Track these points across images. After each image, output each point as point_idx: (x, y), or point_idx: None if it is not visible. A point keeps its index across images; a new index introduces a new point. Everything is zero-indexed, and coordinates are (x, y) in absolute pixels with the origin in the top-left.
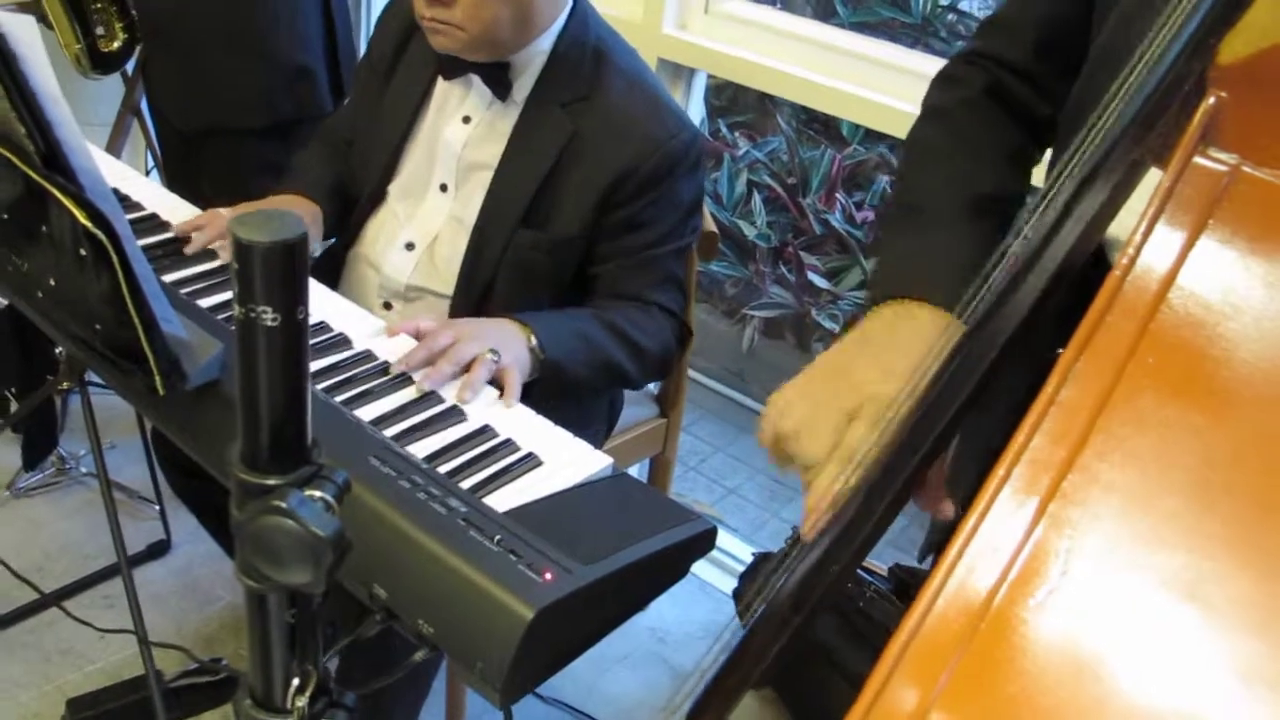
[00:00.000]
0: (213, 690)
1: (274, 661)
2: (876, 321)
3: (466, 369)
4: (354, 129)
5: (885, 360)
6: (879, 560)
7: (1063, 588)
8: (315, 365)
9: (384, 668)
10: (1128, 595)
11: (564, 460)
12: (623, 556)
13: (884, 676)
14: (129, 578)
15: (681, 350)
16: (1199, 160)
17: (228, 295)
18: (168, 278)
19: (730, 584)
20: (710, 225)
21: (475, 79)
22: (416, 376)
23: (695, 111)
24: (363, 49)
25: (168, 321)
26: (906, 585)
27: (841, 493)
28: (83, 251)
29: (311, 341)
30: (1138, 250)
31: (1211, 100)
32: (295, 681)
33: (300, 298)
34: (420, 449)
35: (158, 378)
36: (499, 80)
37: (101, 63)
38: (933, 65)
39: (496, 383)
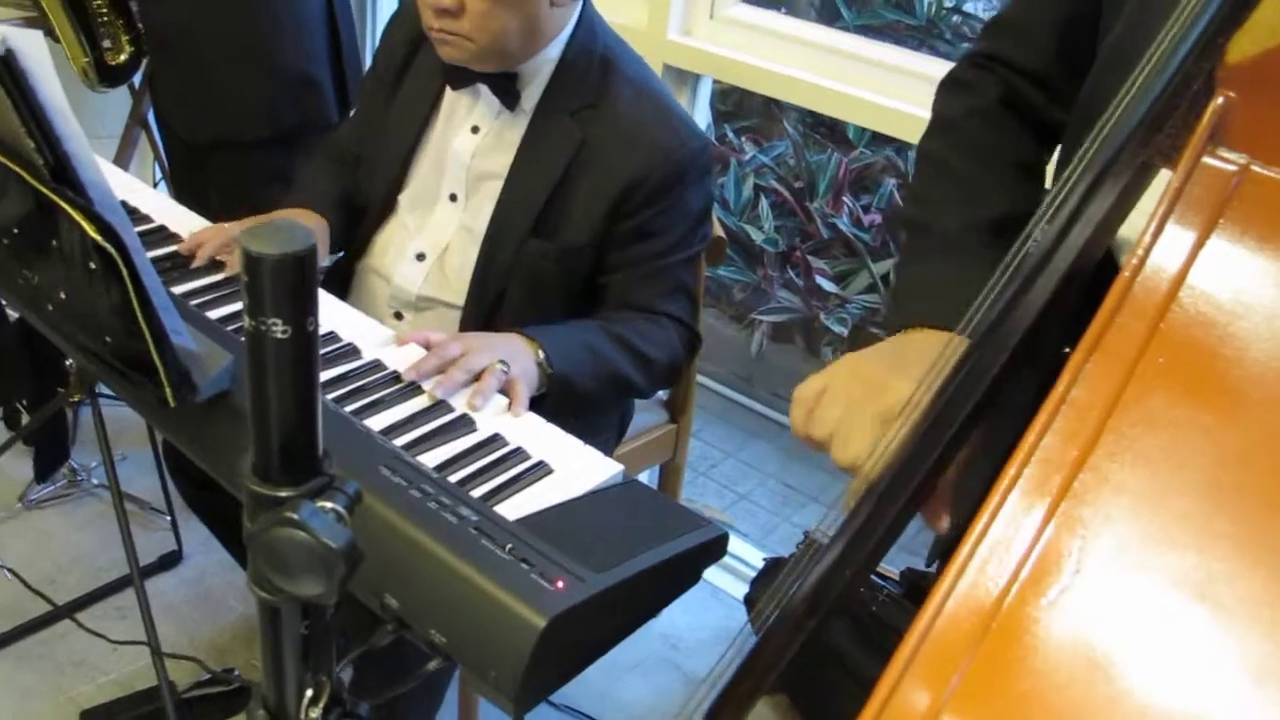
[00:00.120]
0: (226, 701)
1: (287, 672)
2: (906, 340)
3: (476, 379)
4: (360, 141)
5: (916, 372)
6: (891, 564)
7: (1074, 587)
8: (325, 375)
9: (397, 677)
10: (1139, 595)
11: (574, 468)
12: (635, 564)
13: (895, 678)
14: (141, 589)
15: (691, 359)
16: (1208, 160)
17: (237, 306)
18: (177, 289)
19: (742, 589)
20: (718, 230)
21: (483, 89)
22: (427, 385)
23: (701, 117)
24: (368, 60)
25: (178, 333)
26: (919, 589)
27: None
28: (92, 264)
29: (321, 351)
30: (1147, 250)
31: (1220, 100)
32: (309, 692)
33: (310, 310)
34: (431, 458)
35: (168, 389)
36: (507, 90)
37: (108, 76)
38: (938, 67)
39: (505, 394)
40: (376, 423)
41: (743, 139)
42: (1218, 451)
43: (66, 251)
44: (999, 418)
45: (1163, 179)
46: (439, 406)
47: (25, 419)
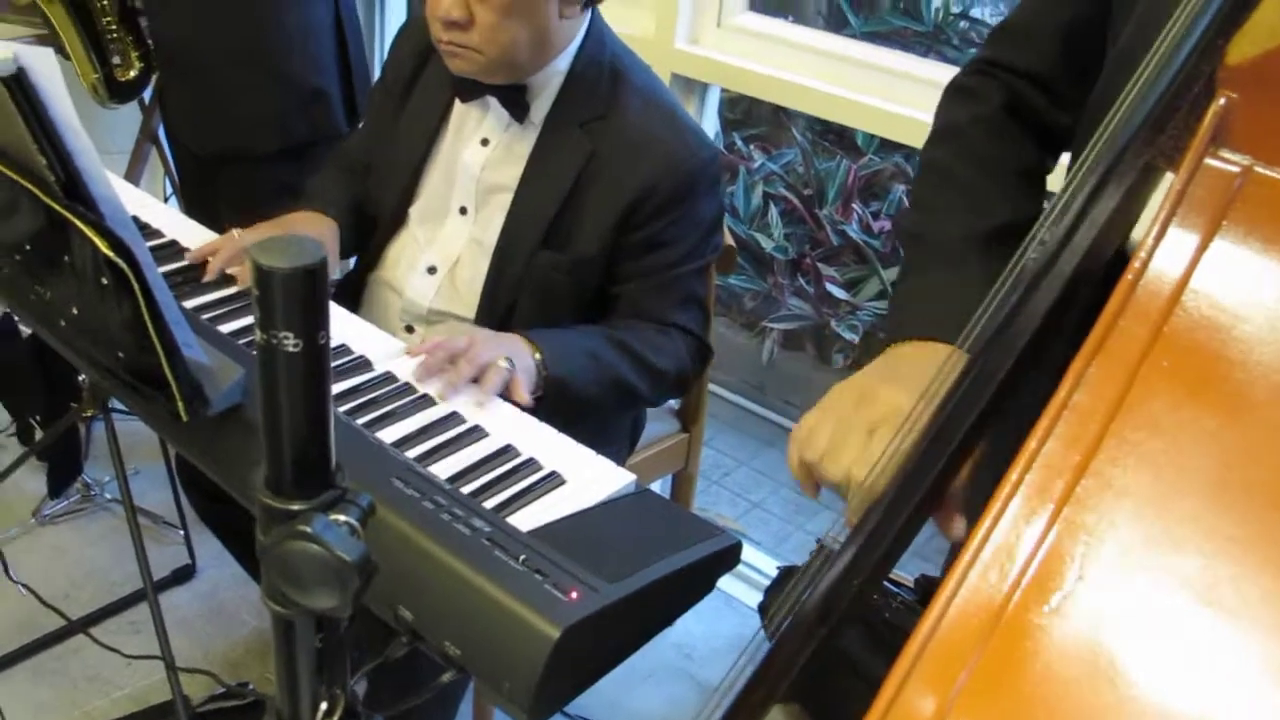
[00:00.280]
0: (240, 715)
1: (301, 685)
2: (897, 354)
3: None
4: (370, 152)
5: (910, 384)
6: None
7: (1078, 591)
8: (337, 388)
9: (411, 689)
10: (1144, 598)
11: (587, 478)
12: (648, 574)
13: (900, 679)
14: (155, 603)
15: (701, 370)
16: (1210, 161)
17: (248, 320)
18: (188, 303)
19: (755, 598)
20: (728, 239)
21: (493, 101)
22: (435, 386)
23: (709, 125)
24: (377, 71)
25: (189, 347)
26: (933, 597)
27: (871, 492)
28: (104, 280)
29: (332, 364)
30: (1150, 253)
31: (1221, 101)
32: (323, 705)
33: (321, 323)
34: (443, 469)
35: (180, 403)
36: (516, 102)
37: (118, 92)
38: (945, 73)
39: (506, 397)
40: (388, 435)
41: (751, 147)
42: (1222, 454)
43: (78, 267)
44: (1009, 423)
45: (1170, 180)
46: (451, 418)
47: (38, 435)
